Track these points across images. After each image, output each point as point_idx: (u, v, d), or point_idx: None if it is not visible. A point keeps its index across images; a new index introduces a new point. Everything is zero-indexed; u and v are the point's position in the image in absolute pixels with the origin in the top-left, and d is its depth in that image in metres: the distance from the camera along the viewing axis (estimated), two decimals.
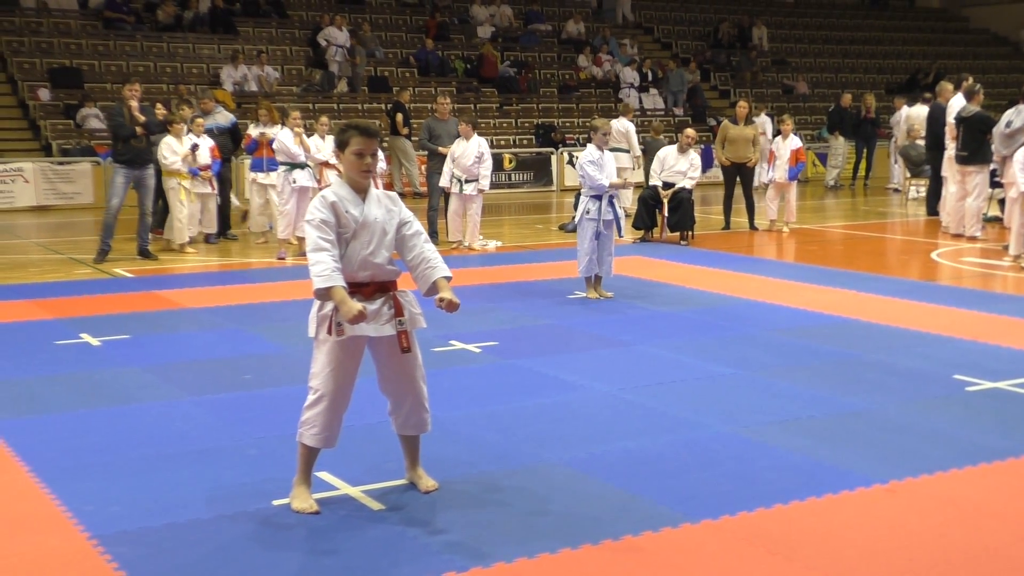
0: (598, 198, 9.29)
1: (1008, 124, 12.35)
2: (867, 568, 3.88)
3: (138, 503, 4.53)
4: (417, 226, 4.52)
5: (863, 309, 8.79)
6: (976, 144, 13.00)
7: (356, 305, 4.17)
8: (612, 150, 15.93)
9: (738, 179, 14.70)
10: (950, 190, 13.94)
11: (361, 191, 4.37)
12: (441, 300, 4.37)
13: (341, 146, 4.38)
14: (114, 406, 6.04)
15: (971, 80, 14.12)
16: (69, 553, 4.04)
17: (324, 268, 4.18)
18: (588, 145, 9.56)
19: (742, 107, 14.94)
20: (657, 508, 4.46)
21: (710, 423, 5.68)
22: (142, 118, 11.55)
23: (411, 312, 4.44)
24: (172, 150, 12.42)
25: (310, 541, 4.14)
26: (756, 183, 15.40)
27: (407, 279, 4.54)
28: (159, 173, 12.41)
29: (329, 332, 4.29)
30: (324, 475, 4.80)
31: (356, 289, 4.32)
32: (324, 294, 4.22)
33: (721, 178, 23.21)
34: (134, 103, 11.61)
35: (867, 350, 7.34)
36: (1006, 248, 11.62)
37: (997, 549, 4.04)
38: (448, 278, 4.46)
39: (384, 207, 4.42)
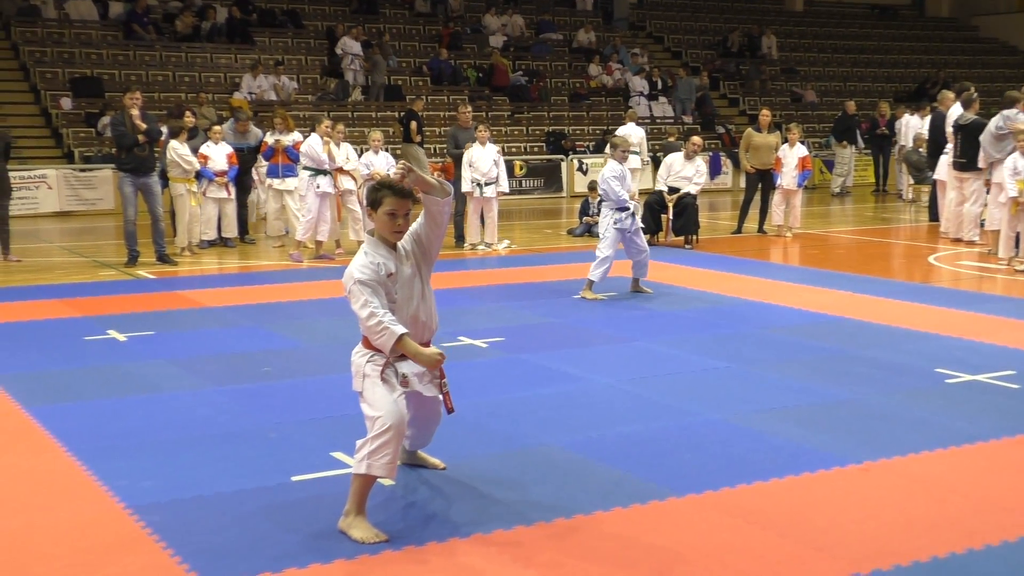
0: (623, 208, 9.74)
1: (998, 127, 12.70)
2: (836, 535, 4.24)
3: (168, 478, 4.93)
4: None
5: (857, 309, 9.14)
6: (973, 151, 13.32)
7: (434, 351, 4.35)
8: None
9: (760, 185, 15.12)
10: (948, 196, 14.28)
11: (392, 248, 4.43)
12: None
13: (374, 205, 4.38)
14: (142, 394, 6.45)
15: (972, 89, 14.44)
16: (107, 520, 4.44)
17: (383, 322, 4.24)
18: (609, 161, 10.01)
19: (765, 116, 15.39)
20: (647, 484, 4.83)
21: (701, 411, 6.04)
22: (143, 126, 11.64)
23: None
24: (187, 153, 12.81)
25: (327, 511, 4.50)
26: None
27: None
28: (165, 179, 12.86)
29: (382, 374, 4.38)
30: (338, 455, 5.19)
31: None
32: (395, 347, 4.27)
33: (728, 184, 23.74)
34: (135, 111, 11.68)
35: (856, 346, 7.69)
36: (992, 253, 12.13)
37: (956, 519, 4.40)
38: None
39: (409, 256, 4.47)
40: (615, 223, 9.78)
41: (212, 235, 13.67)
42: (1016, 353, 7.44)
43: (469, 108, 14.62)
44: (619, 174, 9.79)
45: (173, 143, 12.81)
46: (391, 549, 4.13)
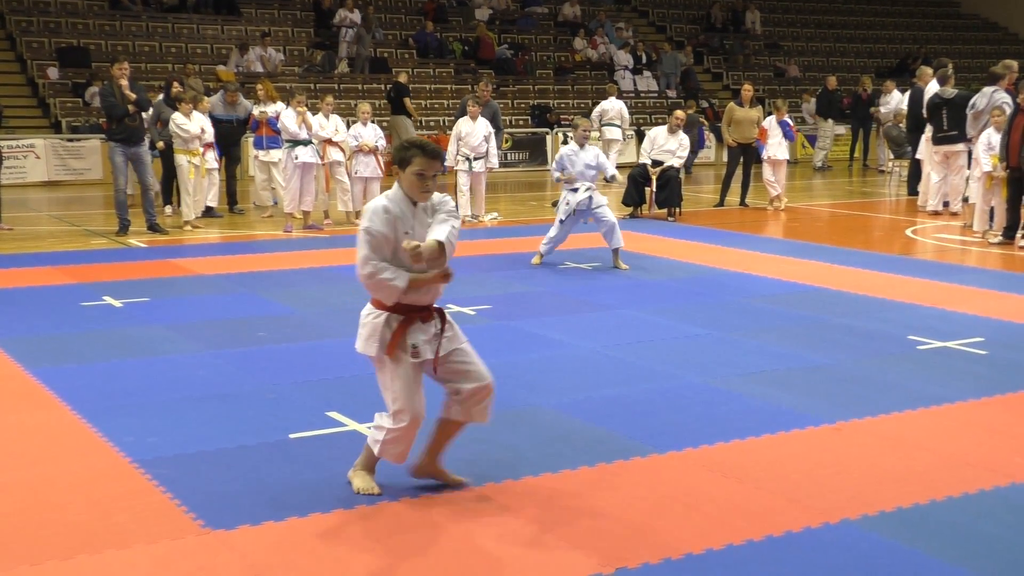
0: (573, 190, 10.23)
1: (972, 106, 12.94)
2: (808, 487, 4.49)
3: (171, 435, 5.14)
4: (445, 214, 4.35)
5: (835, 279, 9.40)
6: (961, 124, 13.49)
7: (435, 272, 4.27)
8: (605, 125, 17.67)
9: (742, 159, 15.31)
10: (926, 170, 14.53)
11: (414, 205, 4.32)
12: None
13: (402, 163, 4.26)
14: (142, 357, 6.65)
15: (948, 66, 14.65)
16: (115, 473, 4.65)
17: (383, 278, 4.22)
18: (570, 142, 10.48)
19: (747, 90, 15.54)
20: (630, 442, 5.07)
21: (683, 375, 6.28)
22: (133, 96, 11.77)
23: (455, 330, 4.52)
24: (185, 123, 12.87)
25: (324, 465, 4.73)
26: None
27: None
28: (170, 149, 12.97)
29: (389, 352, 4.31)
30: (334, 414, 5.41)
31: (417, 313, 4.33)
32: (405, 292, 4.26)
33: (711, 158, 23.94)
34: (124, 82, 11.78)
35: (833, 314, 7.95)
36: (968, 226, 12.42)
37: (921, 473, 4.66)
38: (438, 242, 4.23)
39: (428, 217, 4.35)
40: (565, 203, 10.12)
41: (201, 205, 13.77)
42: (985, 321, 7.71)
43: (488, 86, 15.06)
44: (567, 154, 10.17)
45: (174, 115, 12.88)
46: (388, 500, 4.35)
